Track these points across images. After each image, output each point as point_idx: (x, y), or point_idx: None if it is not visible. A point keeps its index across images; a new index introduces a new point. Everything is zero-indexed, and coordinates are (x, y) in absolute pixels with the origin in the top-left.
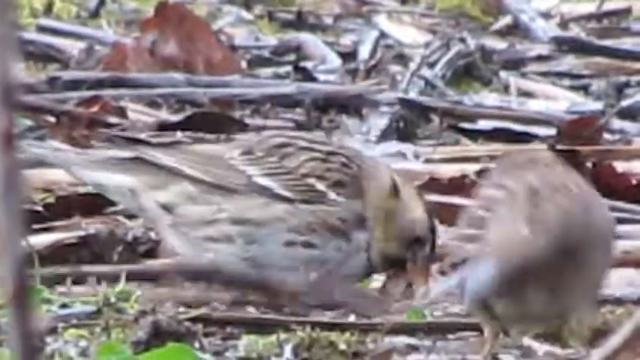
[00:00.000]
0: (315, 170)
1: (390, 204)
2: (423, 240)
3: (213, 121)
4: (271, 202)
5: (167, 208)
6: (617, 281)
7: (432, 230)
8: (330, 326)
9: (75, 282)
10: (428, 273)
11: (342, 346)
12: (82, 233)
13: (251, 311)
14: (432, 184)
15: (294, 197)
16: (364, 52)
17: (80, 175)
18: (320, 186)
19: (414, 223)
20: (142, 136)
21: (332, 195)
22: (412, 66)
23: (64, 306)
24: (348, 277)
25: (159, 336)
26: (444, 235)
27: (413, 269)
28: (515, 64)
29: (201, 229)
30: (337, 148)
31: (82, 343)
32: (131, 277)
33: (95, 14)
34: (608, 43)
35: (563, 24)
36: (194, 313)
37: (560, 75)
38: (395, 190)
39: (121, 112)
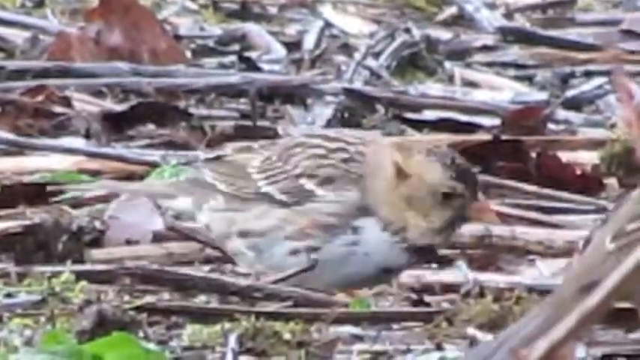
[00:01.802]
0: (307, 169)
1: (403, 187)
2: (454, 192)
3: (158, 110)
4: (270, 209)
5: (207, 225)
6: (561, 271)
7: (458, 175)
8: (275, 316)
9: (19, 273)
10: (487, 206)
11: (287, 336)
12: (27, 222)
13: (195, 301)
14: None
15: (288, 200)
16: (309, 42)
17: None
18: (309, 185)
19: (435, 186)
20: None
21: (319, 192)
22: (357, 56)
23: (8, 295)
24: (388, 270)
25: (103, 325)
26: None
27: (471, 213)
28: (460, 54)
29: (226, 245)
30: (346, 142)
31: (27, 333)
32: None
33: (40, 4)
34: (553, 33)
35: (508, 14)
36: (138, 302)
37: (505, 65)
38: (400, 172)
39: (66, 102)
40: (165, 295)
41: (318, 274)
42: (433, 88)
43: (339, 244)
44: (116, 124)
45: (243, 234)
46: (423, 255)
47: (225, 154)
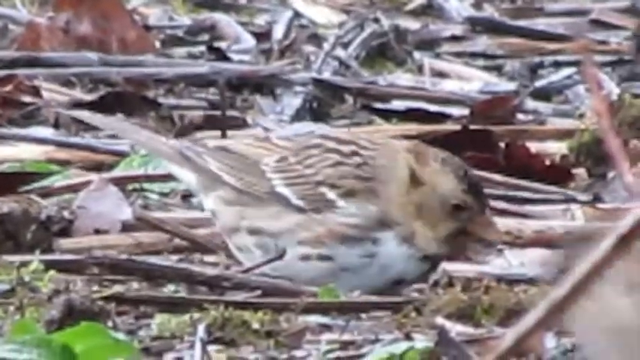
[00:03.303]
0: (328, 178)
1: (415, 194)
2: (464, 205)
3: (127, 100)
4: (285, 211)
5: (212, 212)
6: (530, 261)
7: (470, 188)
8: (244, 305)
9: None
10: (492, 222)
11: (256, 326)
12: None
13: (164, 290)
14: None
15: (306, 207)
16: (278, 32)
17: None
18: (330, 195)
19: (446, 197)
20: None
21: (341, 203)
22: (326, 46)
23: None
24: (399, 282)
25: (72, 315)
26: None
27: (475, 229)
28: (429, 44)
29: (231, 237)
30: (359, 146)
31: None
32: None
33: None
34: (521, 23)
35: (477, 4)
36: (107, 292)
37: (474, 55)
38: (414, 179)
39: (35, 92)
40: (134, 285)
41: (331, 282)
42: (402, 78)
43: (357, 255)
44: None
45: (254, 232)
46: (435, 265)
47: (230, 145)
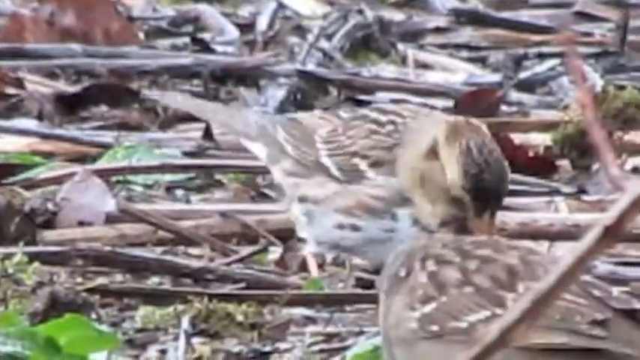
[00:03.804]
0: (362, 148)
1: (425, 165)
2: (462, 199)
3: (111, 92)
4: (326, 181)
5: (278, 185)
6: None
7: (471, 188)
8: (228, 298)
9: None
10: (486, 229)
11: (240, 318)
12: None
13: (148, 282)
14: None
15: (341, 177)
16: (262, 23)
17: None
18: (362, 165)
19: (447, 184)
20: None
21: (370, 174)
22: (310, 38)
23: None
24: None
25: (56, 307)
26: None
27: (469, 224)
28: (413, 35)
29: (290, 209)
30: (398, 115)
31: None
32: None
33: None
34: (506, 15)
35: None
36: (91, 284)
37: (458, 47)
38: (432, 150)
39: (19, 83)
40: (118, 277)
41: (364, 252)
42: (386, 70)
43: (379, 228)
44: (69, 106)
45: (302, 199)
46: None
47: (299, 116)
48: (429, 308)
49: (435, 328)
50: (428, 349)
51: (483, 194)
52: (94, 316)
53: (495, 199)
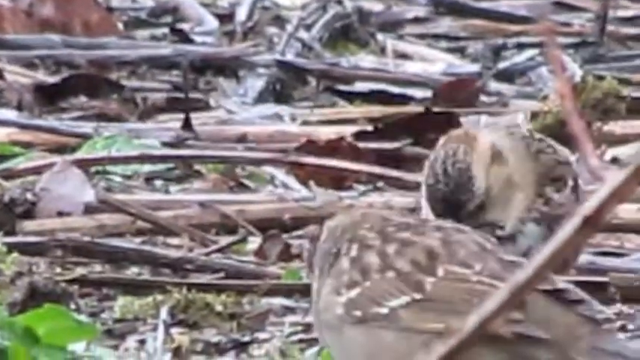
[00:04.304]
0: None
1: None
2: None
3: (90, 82)
4: None
5: None
6: None
7: (429, 196)
8: (207, 288)
9: None
10: None
11: (219, 308)
12: None
13: (127, 273)
14: (309, 147)
15: None
16: (241, 14)
17: None
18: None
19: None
20: None
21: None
22: (289, 28)
23: None
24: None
25: (35, 297)
26: (321, 197)
27: None
28: (392, 26)
29: None
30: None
31: None
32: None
33: None
34: (485, 5)
35: None
36: (70, 274)
37: (437, 37)
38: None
39: None
40: (97, 267)
41: None
42: (365, 60)
43: None
44: (48, 96)
45: None
46: None
47: None
48: (354, 293)
49: (358, 313)
50: (352, 335)
51: (437, 204)
52: (73, 306)
53: (454, 209)
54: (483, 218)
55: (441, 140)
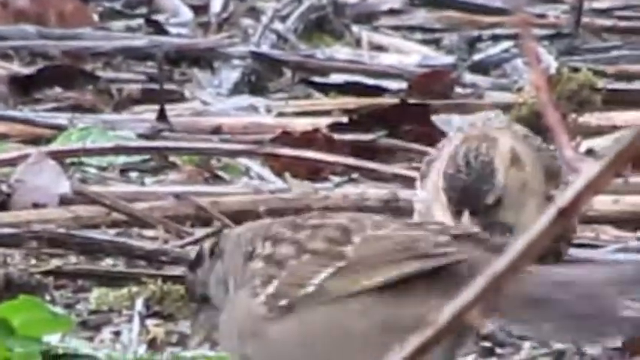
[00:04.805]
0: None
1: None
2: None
3: (65, 73)
4: None
5: None
6: None
7: (448, 186)
8: (182, 280)
9: None
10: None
11: None
12: None
13: (102, 264)
14: (284, 138)
15: None
16: (216, 5)
17: None
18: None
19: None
20: None
21: (419, 188)
22: (264, 19)
23: None
24: None
25: (10, 289)
26: (296, 189)
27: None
28: (367, 17)
29: None
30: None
31: None
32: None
33: None
34: None
35: None
36: (45, 265)
37: (412, 29)
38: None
39: None
40: (72, 259)
41: None
42: (340, 52)
43: None
44: (23, 88)
45: None
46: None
47: None
48: (271, 287)
49: (283, 302)
50: (281, 331)
51: (457, 193)
52: (48, 297)
53: (471, 198)
54: (497, 217)
55: (456, 140)
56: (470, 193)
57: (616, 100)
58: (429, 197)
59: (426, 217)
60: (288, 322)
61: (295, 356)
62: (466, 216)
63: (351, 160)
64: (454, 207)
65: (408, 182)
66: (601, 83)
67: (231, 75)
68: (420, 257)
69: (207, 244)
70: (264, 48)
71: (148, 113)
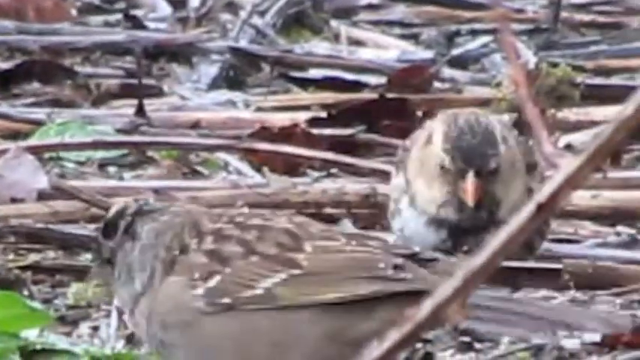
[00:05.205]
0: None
1: (422, 152)
2: (442, 165)
3: (44, 69)
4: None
5: None
6: None
7: (451, 149)
8: None
9: None
10: (473, 186)
11: None
12: None
13: (80, 259)
14: (263, 133)
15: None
16: (195, 0)
17: None
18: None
19: (435, 156)
20: None
21: (394, 173)
22: (243, 14)
23: None
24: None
25: None
26: (274, 184)
27: (459, 193)
28: (346, 12)
29: None
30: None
31: None
32: None
33: None
34: None
35: None
36: (23, 260)
37: (391, 24)
38: (429, 138)
39: None
40: (51, 254)
41: None
42: (319, 47)
43: (396, 231)
44: (1, 83)
45: None
46: (453, 237)
47: None
48: (213, 282)
49: (226, 300)
50: (217, 326)
51: (462, 153)
52: (26, 292)
53: (477, 159)
54: (492, 187)
55: (441, 117)
56: (475, 153)
57: (595, 96)
58: (402, 184)
59: (399, 204)
60: (227, 320)
61: (227, 354)
62: (471, 176)
63: (329, 155)
64: (459, 166)
65: (387, 177)
66: (580, 78)
67: (209, 70)
68: (380, 279)
69: (122, 222)
70: (243, 43)
71: (126, 108)
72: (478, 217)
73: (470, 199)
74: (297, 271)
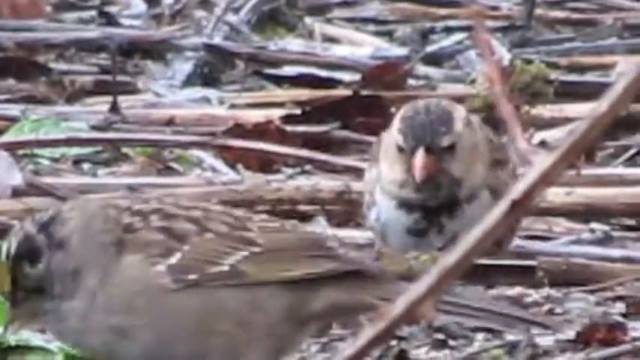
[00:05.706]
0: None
1: (386, 138)
2: (398, 144)
3: (18, 65)
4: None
5: None
6: None
7: (404, 128)
8: None
9: None
10: (416, 166)
11: None
12: None
13: None
14: (237, 130)
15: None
16: None
17: None
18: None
19: (393, 137)
20: None
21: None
22: (217, 11)
23: None
24: (413, 233)
25: None
26: (249, 181)
27: (413, 168)
28: (320, 9)
29: None
30: None
31: None
32: None
33: None
34: None
35: None
36: None
37: (365, 20)
38: (393, 122)
39: None
40: None
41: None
42: (293, 44)
43: (373, 221)
44: None
45: None
46: (427, 218)
47: None
48: (174, 259)
49: (192, 276)
50: (181, 301)
51: (413, 130)
52: None
53: (427, 135)
54: (448, 165)
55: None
56: (427, 130)
57: (569, 92)
58: (375, 175)
59: (374, 195)
60: (193, 296)
61: (191, 331)
62: (420, 152)
63: (303, 152)
64: (410, 144)
65: (361, 174)
66: (554, 75)
67: (183, 67)
68: (334, 257)
69: (38, 241)
70: (217, 40)
71: (100, 105)
72: (440, 196)
73: (417, 175)
74: (257, 249)
